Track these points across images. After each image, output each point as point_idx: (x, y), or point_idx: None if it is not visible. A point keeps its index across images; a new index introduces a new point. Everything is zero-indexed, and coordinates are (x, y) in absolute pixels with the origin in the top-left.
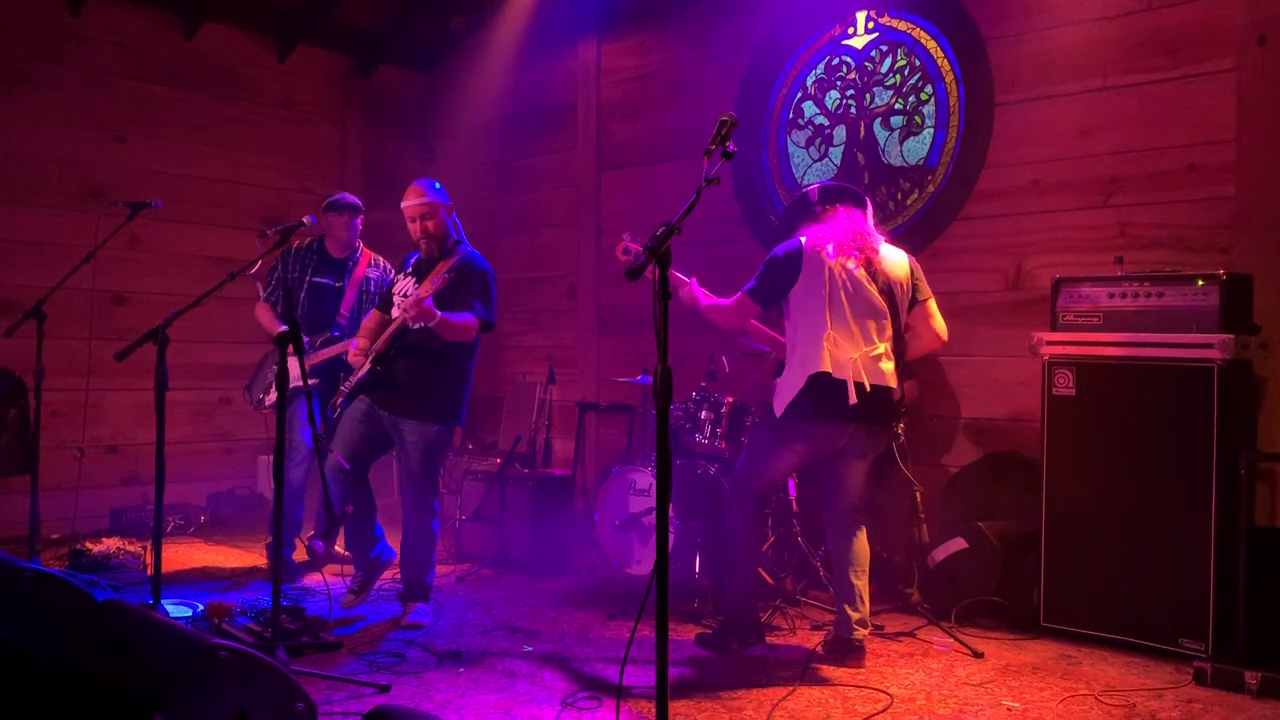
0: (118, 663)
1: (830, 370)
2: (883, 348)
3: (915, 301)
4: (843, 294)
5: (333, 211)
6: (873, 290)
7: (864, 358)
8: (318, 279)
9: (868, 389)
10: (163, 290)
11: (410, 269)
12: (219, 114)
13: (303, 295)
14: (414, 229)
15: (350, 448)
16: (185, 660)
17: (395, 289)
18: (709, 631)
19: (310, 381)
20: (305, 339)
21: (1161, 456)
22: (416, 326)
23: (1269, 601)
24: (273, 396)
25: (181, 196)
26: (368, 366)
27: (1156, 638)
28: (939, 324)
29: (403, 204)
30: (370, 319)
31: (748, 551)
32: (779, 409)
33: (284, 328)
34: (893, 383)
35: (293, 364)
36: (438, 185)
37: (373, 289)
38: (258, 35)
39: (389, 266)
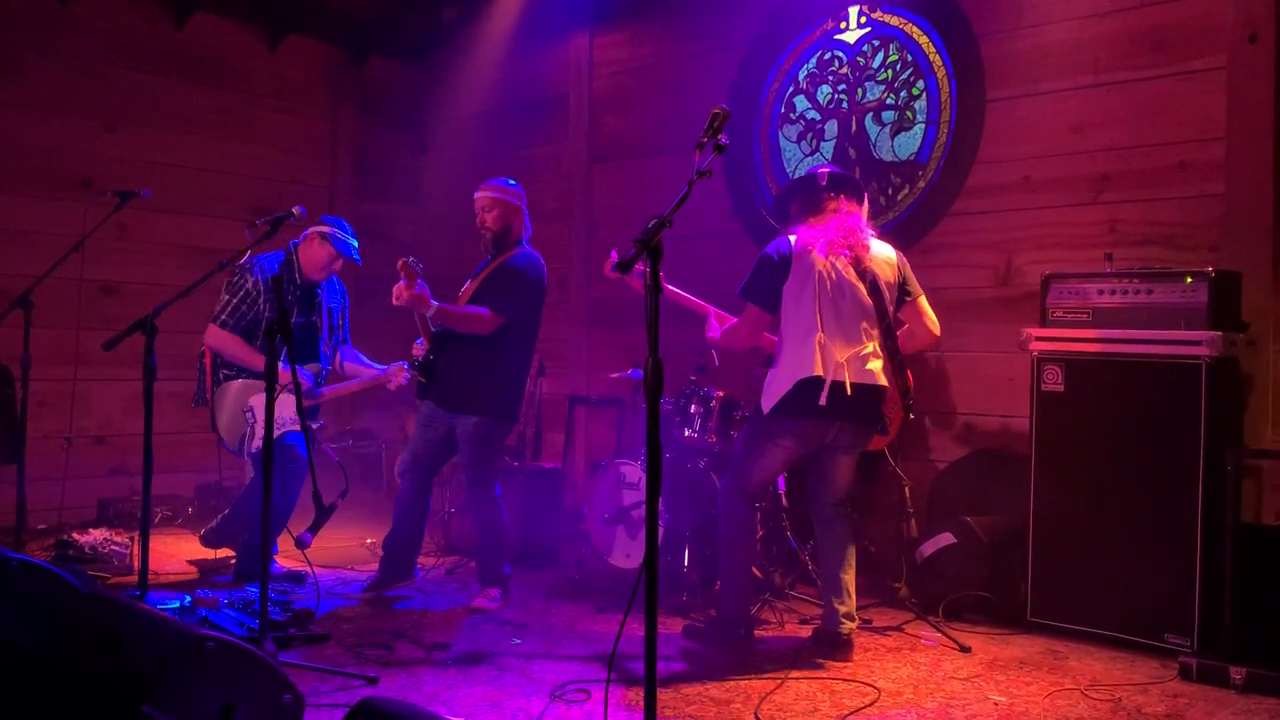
0: (105, 654)
1: (821, 373)
2: (871, 347)
3: (905, 298)
4: (832, 294)
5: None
6: (861, 289)
7: (852, 358)
8: (302, 318)
9: (848, 391)
10: (151, 280)
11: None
12: (209, 104)
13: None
14: (477, 220)
15: (412, 449)
16: (173, 651)
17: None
18: (698, 624)
19: (313, 423)
20: (308, 375)
21: (1149, 452)
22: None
23: (1254, 597)
24: (260, 441)
25: (171, 186)
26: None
27: (1142, 633)
28: (931, 320)
29: (474, 194)
30: None
31: (741, 553)
32: (766, 406)
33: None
34: (880, 380)
35: (283, 404)
36: (512, 183)
37: (336, 319)
38: (249, 25)
39: (345, 293)
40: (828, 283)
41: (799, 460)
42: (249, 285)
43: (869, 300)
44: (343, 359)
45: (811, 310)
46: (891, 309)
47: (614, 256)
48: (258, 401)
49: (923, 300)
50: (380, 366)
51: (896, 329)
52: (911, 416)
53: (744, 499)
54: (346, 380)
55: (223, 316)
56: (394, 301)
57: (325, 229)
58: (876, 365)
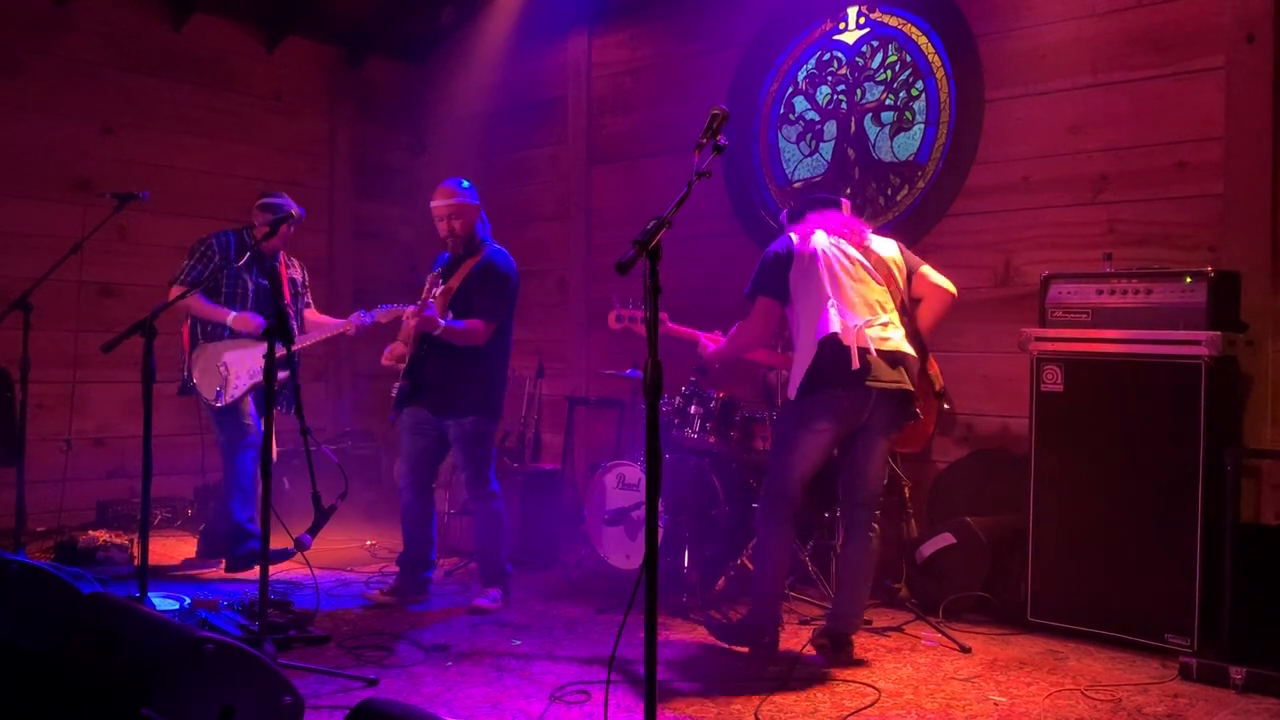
0: (105, 656)
1: (839, 333)
2: (886, 318)
3: (912, 273)
4: (839, 267)
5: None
6: (867, 264)
7: (868, 324)
8: (261, 281)
9: (872, 354)
10: (150, 282)
11: (438, 269)
12: (208, 105)
13: (251, 292)
14: (441, 228)
15: (409, 460)
16: (172, 653)
17: (425, 288)
18: (729, 623)
19: (283, 374)
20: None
21: (1148, 453)
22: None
23: (1254, 597)
24: (235, 389)
25: (170, 188)
26: (403, 381)
27: (1142, 633)
28: (941, 279)
29: (431, 203)
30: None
31: (773, 561)
32: (794, 390)
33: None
34: (904, 348)
35: (253, 356)
36: (466, 185)
37: (298, 287)
38: (247, 26)
39: (304, 267)
40: (833, 259)
41: (836, 442)
42: (204, 249)
43: (876, 275)
44: (305, 317)
45: (822, 285)
46: (903, 287)
47: (615, 305)
48: (231, 358)
49: (926, 267)
50: (339, 320)
51: (913, 309)
52: (946, 406)
53: (782, 504)
54: (311, 332)
55: (180, 276)
56: (408, 322)
57: (263, 200)
58: (897, 334)
